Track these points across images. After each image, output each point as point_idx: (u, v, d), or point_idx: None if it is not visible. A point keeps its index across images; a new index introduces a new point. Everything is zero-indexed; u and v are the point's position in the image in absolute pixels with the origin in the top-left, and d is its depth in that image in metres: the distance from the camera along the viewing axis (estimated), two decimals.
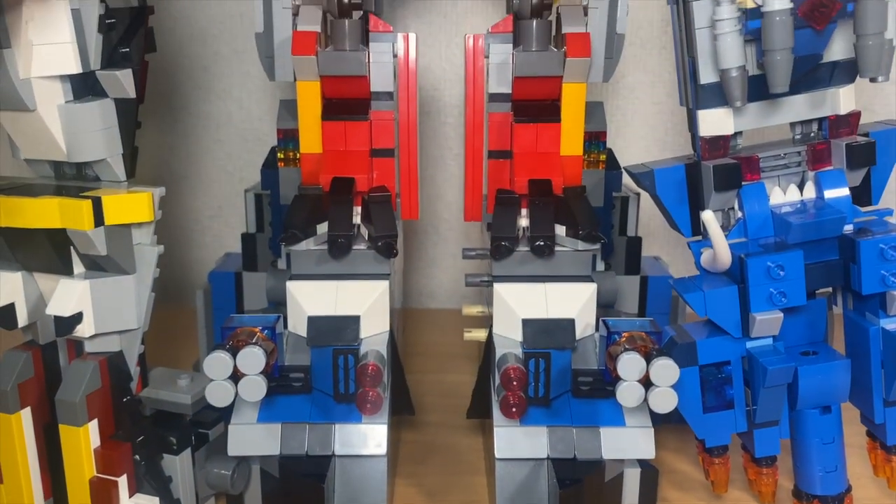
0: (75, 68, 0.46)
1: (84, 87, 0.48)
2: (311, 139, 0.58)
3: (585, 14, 0.58)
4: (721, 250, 0.50)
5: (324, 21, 0.59)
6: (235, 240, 0.94)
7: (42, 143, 0.48)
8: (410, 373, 0.76)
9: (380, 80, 0.59)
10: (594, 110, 0.60)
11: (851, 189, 0.54)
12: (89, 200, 0.46)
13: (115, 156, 0.50)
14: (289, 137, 0.60)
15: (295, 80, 0.58)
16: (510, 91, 0.58)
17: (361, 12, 0.59)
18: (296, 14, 0.58)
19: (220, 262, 0.70)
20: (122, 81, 0.48)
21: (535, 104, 0.58)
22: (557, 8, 0.59)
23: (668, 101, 0.89)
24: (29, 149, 0.49)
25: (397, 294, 0.68)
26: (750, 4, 0.48)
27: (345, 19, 0.58)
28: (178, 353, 0.73)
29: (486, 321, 0.59)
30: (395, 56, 0.59)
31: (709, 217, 0.50)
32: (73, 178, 0.51)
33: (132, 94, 0.48)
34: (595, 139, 0.59)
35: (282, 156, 0.60)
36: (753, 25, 0.48)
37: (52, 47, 0.45)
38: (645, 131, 0.91)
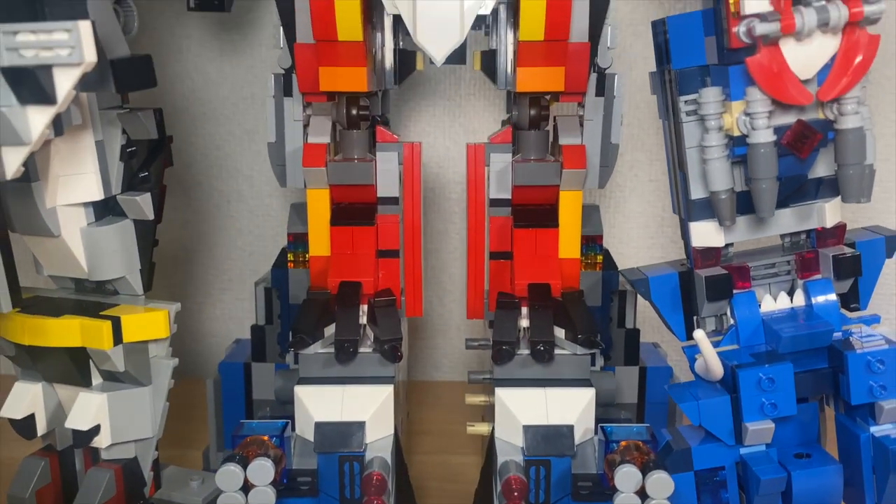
0: (98, 195, 0.50)
1: (105, 208, 0.51)
2: (319, 243, 0.61)
3: (581, 125, 0.61)
4: (713, 366, 0.52)
5: (333, 130, 0.62)
6: (245, 313, 0.98)
7: (64, 263, 0.51)
8: (415, 454, 0.78)
9: (386, 186, 0.62)
10: (591, 214, 0.63)
11: (840, 294, 0.56)
12: (109, 321, 0.49)
13: (133, 272, 0.53)
14: (298, 241, 0.63)
15: (305, 186, 0.61)
16: (510, 196, 0.61)
17: (369, 122, 0.63)
18: (306, 125, 0.61)
19: (230, 350, 0.73)
20: (142, 206, 0.51)
21: (534, 209, 0.61)
22: (555, 118, 0.62)
23: (665, 178, 0.91)
24: (52, 266, 0.52)
25: (403, 365, 0.70)
26: (736, 133, 0.50)
27: (353, 130, 0.61)
28: (189, 429, 0.75)
29: (489, 411, 0.62)
30: (400, 164, 0.62)
31: (700, 336, 0.52)
32: (93, 292, 0.54)
33: (151, 216, 0.52)
34: (592, 242, 0.62)
35: (291, 258, 0.63)
36: (740, 152, 0.51)
37: (76, 177, 0.49)
38: (643, 207, 0.93)
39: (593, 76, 0.59)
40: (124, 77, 0.42)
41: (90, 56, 0.37)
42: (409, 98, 0.93)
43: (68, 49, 0.36)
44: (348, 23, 0.55)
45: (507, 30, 0.60)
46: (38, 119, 0.37)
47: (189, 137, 0.95)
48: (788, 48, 0.45)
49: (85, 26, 0.36)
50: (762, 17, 0.44)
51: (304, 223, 0.62)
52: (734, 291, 0.55)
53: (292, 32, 0.58)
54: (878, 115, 0.85)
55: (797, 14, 0.44)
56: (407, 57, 0.64)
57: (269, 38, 0.83)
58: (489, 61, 0.62)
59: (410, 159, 0.62)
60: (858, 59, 0.45)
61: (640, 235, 0.92)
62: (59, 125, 0.41)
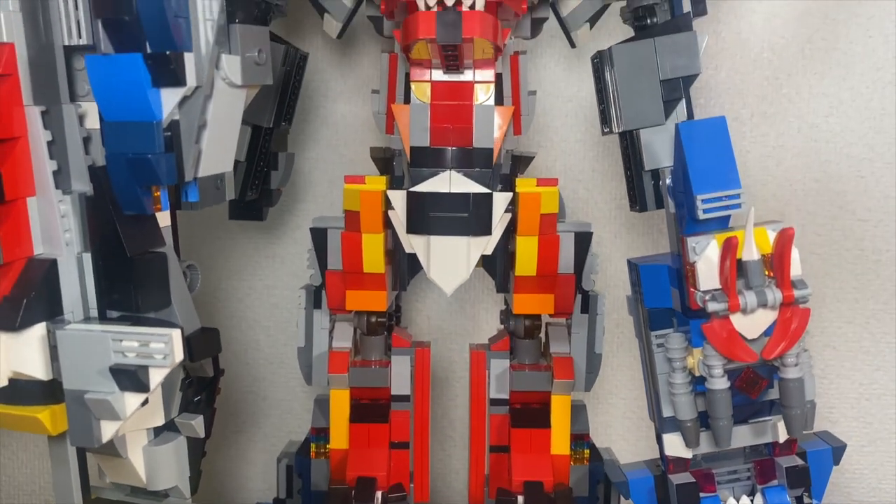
0: (161, 422, 0.61)
1: (163, 427, 0.62)
2: (339, 437, 0.72)
3: (569, 334, 0.72)
4: None
5: (354, 334, 0.74)
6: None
7: (127, 475, 0.62)
8: None
9: (399, 386, 0.73)
10: (578, 414, 0.74)
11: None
12: None
13: (183, 481, 0.63)
14: (321, 435, 0.74)
15: (328, 385, 0.72)
16: (508, 397, 0.73)
17: (386, 327, 0.74)
18: (331, 331, 0.73)
19: None
20: (196, 427, 0.62)
21: (530, 410, 0.72)
22: (546, 325, 0.74)
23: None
24: (114, 476, 0.63)
25: None
26: (697, 373, 0.62)
27: (372, 336, 0.73)
28: None
29: None
30: (412, 365, 0.73)
31: None
32: (147, 495, 0.65)
33: (202, 435, 0.63)
34: (580, 439, 0.73)
35: (314, 448, 0.74)
36: (701, 389, 0.63)
37: (145, 410, 0.59)
38: (625, 406, 1.02)
39: (579, 296, 0.71)
40: (198, 349, 0.53)
41: (179, 357, 0.48)
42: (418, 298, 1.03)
43: (162, 354, 0.48)
44: (373, 258, 0.67)
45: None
46: (132, 401, 0.49)
47: (214, 293, 1.06)
48: (736, 318, 0.57)
49: (177, 335, 0.48)
50: (713, 296, 0.56)
51: (326, 418, 0.73)
52: (701, 495, 0.66)
53: (324, 259, 0.70)
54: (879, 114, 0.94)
55: (741, 297, 0.56)
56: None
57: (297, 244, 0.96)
58: (490, 263, 0.74)
59: (421, 362, 0.73)
60: (794, 326, 0.57)
61: (624, 426, 1.01)
62: None
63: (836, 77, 0.93)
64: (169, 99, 0.45)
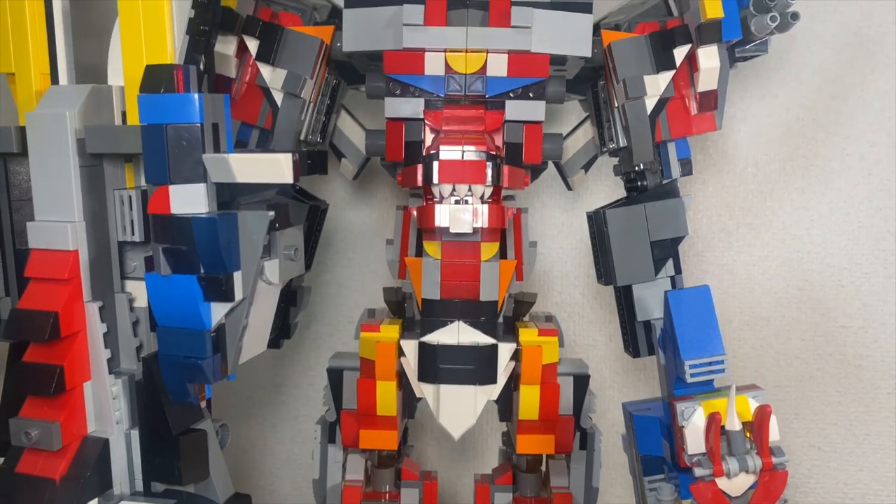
0: None
1: None
2: None
3: (568, 469, 0.80)
4: None
5: (365, 465, 0.81)
6: None
7: None
8: None
9: None
10: None
11: None
12: None
13: None
14: None
15: None
16: None
17: (396, 460, 0.81)
18: (344, 463, 0.80)
19: None
20: None
21: None
22: (547, 462, 0.81)
23: None
24: None
25: None
26: None
27: (383, 469, 0.80)
28: None
29: None
30: (420, 497, 0.80)
31: None
32: None
33: None
34: None
35: None
36: None
37: None
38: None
39: (577, 433, 0.78)
40: None
41: None
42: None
43: None
44: (386, 403, 0.74)
45: None
46: None
47: (225, 391, 1.13)
48: (721, 480, 0.65)
49: None
50: (700, 461, 0.64)
51: None
52: None
53: (339, 398, 0.77)
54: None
55: (725, 463, 0.64)
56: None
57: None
58: None
59: (429, 495, 0.80)
60: (773, 488, 0.65)
61: None
62: None
63: (815, 192, 1.02)
64: (218, 311, 0.52)
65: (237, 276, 0.52)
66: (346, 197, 1.05)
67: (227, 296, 0.51)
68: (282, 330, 0.83)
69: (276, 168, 0.51)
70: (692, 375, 0.66)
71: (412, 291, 0.76)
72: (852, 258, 1.03)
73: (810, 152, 1.01)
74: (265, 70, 0.71)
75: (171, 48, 0.55)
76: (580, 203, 1.02)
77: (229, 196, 0.53)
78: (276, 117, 0.71)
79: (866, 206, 1.02)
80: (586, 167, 0.83)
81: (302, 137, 0.74)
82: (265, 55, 0.70)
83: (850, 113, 1.00)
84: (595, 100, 0.78)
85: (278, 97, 0.71)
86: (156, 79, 0.50)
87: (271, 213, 0.53)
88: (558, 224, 1.03)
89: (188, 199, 0.51)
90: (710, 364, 0.66)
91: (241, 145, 0.77)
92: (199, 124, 0.50)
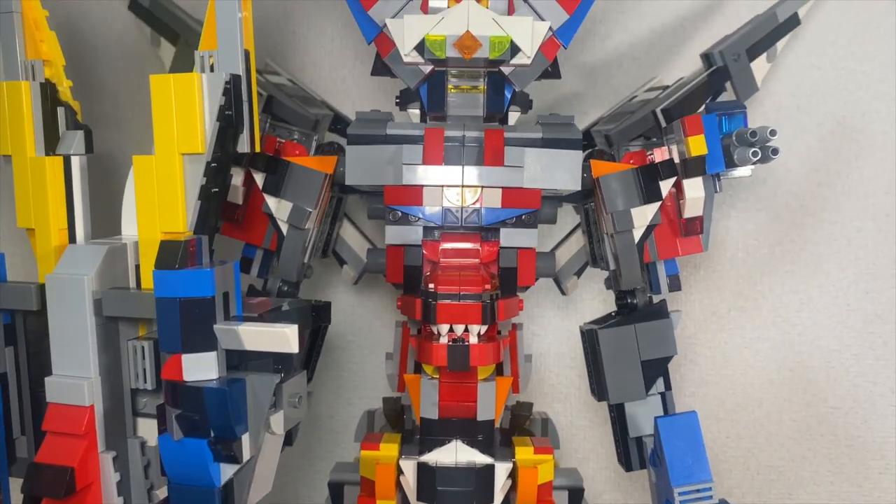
0: None
1: None
2: None
3: None
4: None
5: None
6: None
7: None
8: None
9: None
10: None
11: None
12: None
13: None
14: None
15: None
16: None
17: None
18: None
19: None
20: None
21: None
22: None
23: None
24: None
25: None
26: None
27: None
28: None
29: None
30: None
31: None
32: None
33: None
34: None
35: None
36: None
37: None
38: None
39: None
40: None
41: None
42: None
43: None
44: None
45: None
46: None
47: None
48: None
49: None
50: None
51: None
52: None
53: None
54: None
55: None
56: None
57: None
58: None
59: None
60: None
61: None
62: None
63: (805, 275, 1.07)
64: (227, 470, 0.56)
65: (245, 438, 0.56)
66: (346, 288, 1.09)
67: (235, 459, 0.55)
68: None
69: (282, 340, 0.55)
70: (682, 499, 0.70)
71: (411, 404, 0.79)
72: (841, 340, 1.07)
73: (799, 237, 1.06)
74: (271, 201, 0.75)
75: (183, 216, 0.59)
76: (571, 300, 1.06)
77: (238, 360, 0.57)
78: (281, 243, 0.76)
79: (854, 289, 1.06)
80: (579, 273, 0.87)
81: (305, 260, 0.78)
82: (271, 188, 0.75)
83: (836, 199, 1.05)
84: (586, 216, 0.83)
85: (283, 226, 0.75)
86: (170, 255, 0.54)
87: (278, 377, 0.57)
88: (553, 307, 1.07)
89: (200, 367, 0.55)
90: (698, 491, 0.70)
91: (246, 262, 0.81)
92: (211, 297, 0.54)
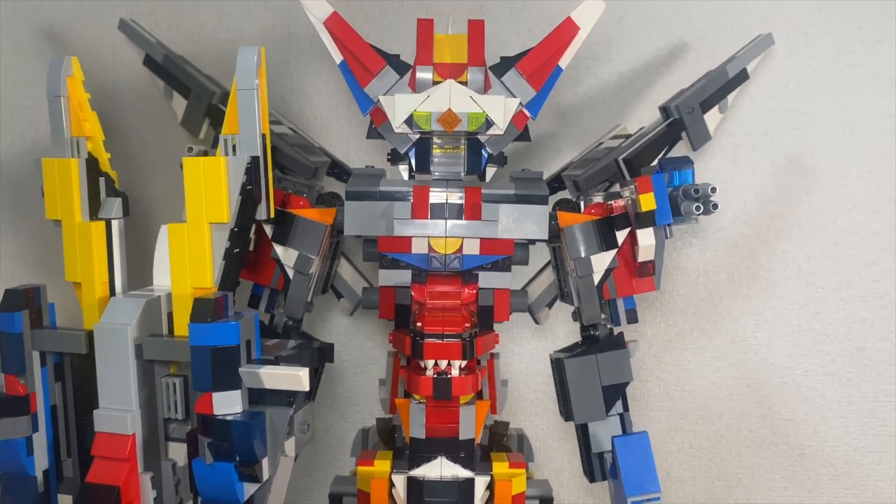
0: None
1: None
2: None
3: None
4: None
5: None
6: None
7: None
8: None
9: None
10: None
11: None
12: None
13: None
14: None
15: None
16: None
17: None
18: None
19: None
20: None
21: None
22: None
23: None
24: None
25: None
26: None
27: None
28: None
29: None
30: None
31: None
32: None
33: None
34: None
35: None
36: None
37: None
38: None
39: None
40: None
41: None
42: None
43: None
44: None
45: None
46: None
47: None
48: None
49: None
50: None
51: None
52: None
53: None
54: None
55: None
56: None
57: None
58: None
59: None
60: None
61: None
62: None
63: (760, 299, 1.21)
64: (249, 489, 0.71)
65: (264, 462, 0.70)
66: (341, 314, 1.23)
67: (256, 479, 0.70)
68: None
69: (296, 381, 0.69)
70: None
71: (401, 424, 0.94)
72: (794, 358, 1.22)
73: (754, 264, 1.20)
74: (279, 249, 0.89)
75: (210, 274, 0.73)
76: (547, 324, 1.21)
77: (258, 395, 0.71)
78: (287, 285, 0.90)
79: (805, 310, 1.21)
80: (550, 304, 1.01)
81: (308, 299, 0.92)
82: (279, 238, 0.89)
83: (787, 230, 1.19)
84: (554, 254, 0.97)
85: (290, 271, 0.89)
86: (203, 310, 0.68)
87: (291, 409, 0.71)
88: (531, 330, 1.21)
89: (227, 402, 0.69)
90: (648, 500, 0.85)
91: (255, 298, 0.95)
92: (237, 345, 0.69)
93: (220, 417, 0.69)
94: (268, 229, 0.89)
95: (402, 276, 0.90)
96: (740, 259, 1.19)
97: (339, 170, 1.02)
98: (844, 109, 1.14)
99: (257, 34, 1.14)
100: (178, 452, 0.78)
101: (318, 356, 0.84)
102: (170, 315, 0.77)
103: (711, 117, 1.00)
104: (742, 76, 1.01)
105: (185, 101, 1.01)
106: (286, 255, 0.89)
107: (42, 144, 1.16)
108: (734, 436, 1.23)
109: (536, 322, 1.03)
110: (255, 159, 0.76)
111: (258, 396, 0.72)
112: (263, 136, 0.77)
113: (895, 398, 1.21)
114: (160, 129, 1.13)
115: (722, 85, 0.99)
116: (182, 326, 0.72)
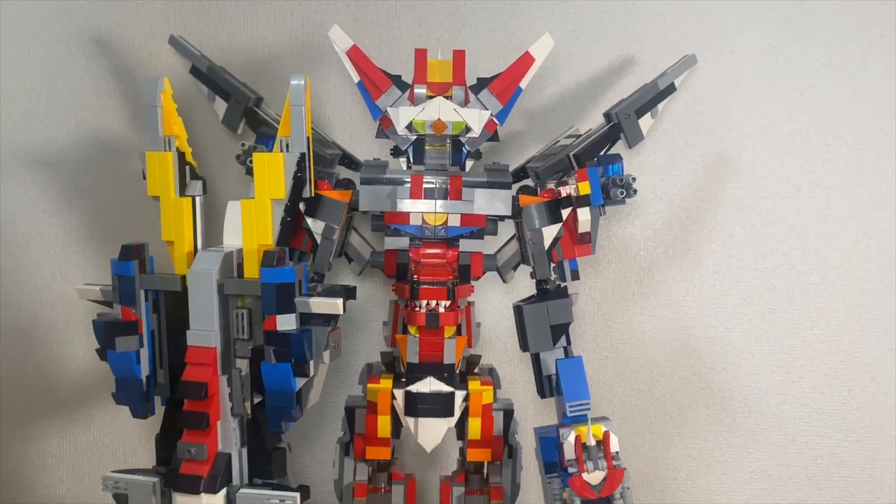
0: None
1: None
2: None
3: (500, 472, 1.42)
4: None
5: (369, 471, 1.42)
6: None
7: None
8: None
9: None
10: None
11: None
12: None
13: None
14: None
15: None
16: None
17: (388, 466, 1.43)
18: (354, 469, 1.41)
19: None
20: None
21: None
22: (487, 465, 1.43)
23: None
24: None
25: None
26: (569, 502, 1.32)
27: (380, 472, 1.42)
28: None
29: None
30: (405, 492, 1.42)
31: None
32: None
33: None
34: None
35: None
36: None
37: None
38: None
39: (507, 447, 1.40)
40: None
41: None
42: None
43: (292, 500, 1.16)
44: (382, 429, 1.36)
45: None
46: None
47: None
48: (584, 475, 1.27)
49: (297, 497, 1.17)
50: (571, 464, 1.27)
51: None
52: None
53: (352, 427, 1.39)
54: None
55: (586, 465, 1.27)
56: None
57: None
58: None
59: (411, 490, 1.42)
60: (615, 478, 1.27)
61: None
62: None
63: (690, 269, 1.59)
64: (300, 382, 1.15)
65: (311, 363, 1.14)
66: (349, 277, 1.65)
67: (305, 374, 1.14)
68: None
69: (334, 306, 1.14)
70: (570, 411, 1.29)
71: (399, 356, 1.38)
72: (717, 318, 1.46)
73: (686, 240, 1.44)
74: (310, 220, 1.33)
75: (271, 235, 1.17)
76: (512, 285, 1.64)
77: (306, 318, 1.15)
78: (316, 248, 1.33)
79: (727, 279, 1.45)
80: (515, 268, 1.45)
81: (331, 259, 1.35)
82: (310, 212, 1.33)
83: (714, 212, 1.43)
84: (517, 228, 1.41)
85: (318, 237, 1.32)
86: (270, 258, 1.12)
87: (328, 328, 1.15)
88: (500, 294, 1.64)
89: (286, 321, 1.13)
90: (580, 405, 1.29)
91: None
92: (292, 282, 1.12)
93: (281, 332, 1.12)
94: (301, 206, 1.32)
95: (402, 242, 1.30)
96: (674, 236, 1.44)
97: (347, 160, 1.45)
98: (761, 114, 1.41)
99: (276, 45, 1.42)
100: (242, 364, 1.22)
101: (345, 293, 1.28)
102: (239, 265, 1.21)
103: (645, 122, 1.27)
104: (670, 89, 1.42)
105: (225, 104, 1.32)
106: (315, 225, 1.33)
107: (91, 134, 1.44)
108: (668, 381, 1.48)
109: (504, 281, 1.47)
110: (302, 155, 1.19)
111: (306, 318, 1.16)
112: (307, 138, 1.20)
113: (799, 351, 1.46)
114: (203, 128, 1.48)
115: (653, 96, 1.26)
116: (251, 271, 1.16)
